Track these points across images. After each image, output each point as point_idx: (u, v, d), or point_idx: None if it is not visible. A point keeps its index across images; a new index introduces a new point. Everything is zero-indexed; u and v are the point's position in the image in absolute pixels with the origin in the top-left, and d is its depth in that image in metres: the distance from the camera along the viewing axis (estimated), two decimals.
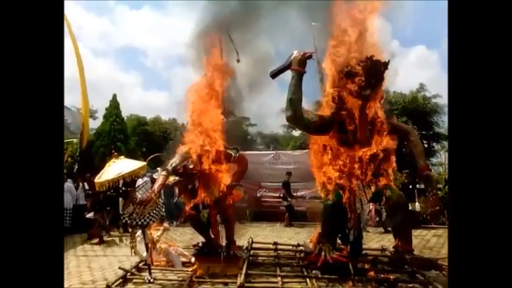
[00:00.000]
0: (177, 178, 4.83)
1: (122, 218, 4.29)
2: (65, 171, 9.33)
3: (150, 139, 23.95)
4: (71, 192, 8.22)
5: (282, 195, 10.40)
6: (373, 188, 4.74)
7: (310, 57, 4.63)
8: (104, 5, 55.95)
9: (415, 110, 17.77)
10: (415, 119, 17.11)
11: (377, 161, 4.68)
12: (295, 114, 4.46)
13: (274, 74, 4.73)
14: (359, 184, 4.72)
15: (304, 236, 7.44)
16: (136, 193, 4.29)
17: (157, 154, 16.51)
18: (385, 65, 4.33)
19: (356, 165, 4.65)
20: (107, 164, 4.38)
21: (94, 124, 17.47)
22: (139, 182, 7.51)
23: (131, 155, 9.95)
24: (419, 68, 42.50)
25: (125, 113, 12.78)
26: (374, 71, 4.31)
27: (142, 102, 45.85)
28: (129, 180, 4.22)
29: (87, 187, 8.75)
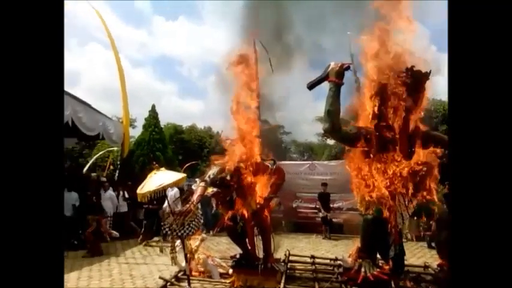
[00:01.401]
0: (215, 189, 4.88)
1: (162, 228, 4.40)
2: (105, 179, 9.69)
3: (186, 147, 24.55)
4: (112, 200, 8.52)
5: (317, 207, 10.27)
6: (415, 203, 4.58)
7: (347, 68, 4.56)
8: (142, 16, 58.25)
9: None
10: None
11: (419, 174, 4.52)
12: (333, 127, 4.39)
13: (312, 86, 4.69)
14: (400, 198, 4.57)
15: (341, 249, 7.29)
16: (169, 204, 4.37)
17: (194, 162, 16.88)
18: (426, 75, 4.19)
19: (397, 179, 4.51)
20: (148, 176, 4.52)
21: (133, 132, 18.19)
22: (170, 192, 7.72)
23: (169, 163, 10.22)
24: None
25: (162, 121, 13.26)
26: (415, 82, 4.19)
27: (179, 110, 47.30)
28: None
29: (127, 195, 9.04)
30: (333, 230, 9.97)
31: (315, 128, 26.07)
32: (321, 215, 10.05)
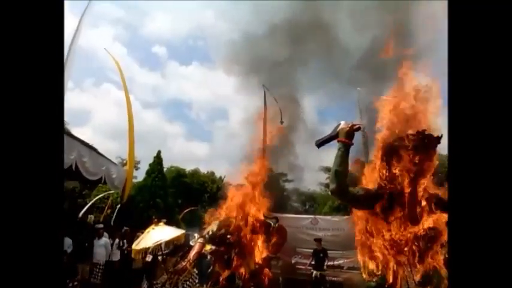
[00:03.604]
0: (213, 247, 4.71)
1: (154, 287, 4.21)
2: (102, 225, 9.45)
3: (187, 191, 24.35)
4: (106, 248, 8.24)
5: (312, 263, 9.72)
6: (421, 270, 4.38)
7: (358, 129, 4.55)
8: (156, 60, 60.47)
9: None
10: None
11: (426, 240, 4.37)
12: (340, 188, 4.31)
13: (320, 144, 4.65)
14: (406, 265, 4.39)
15: None
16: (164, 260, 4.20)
17: (193, 208, 16.69)
18: (438, 139, 4.16)
19: (403, 244, 4.36)
20: (146, 231, 4.40)
21: (135, 173, 18.12)
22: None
23: (169, 210, 10.05)
24: None
25: (166, 162, 13.17)
26: (425, 145, 4.16)
27: (184, 152, 47.78)
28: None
29: (121, 244, 8.76)
30: None
31: (319, 177, 25.90)
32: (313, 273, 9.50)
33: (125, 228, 9.17)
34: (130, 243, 7.59)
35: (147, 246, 4.09)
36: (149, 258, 5.02)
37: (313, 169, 25.21)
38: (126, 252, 8.05)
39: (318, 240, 9.70)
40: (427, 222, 4.49)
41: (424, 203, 4.46)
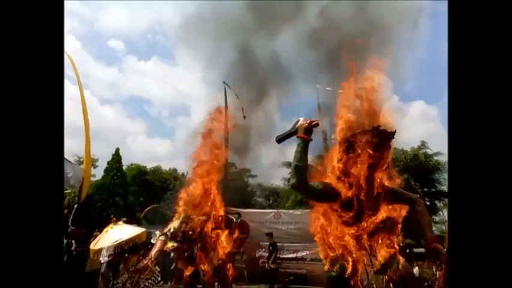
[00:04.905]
0: (175, 244, 4.65)
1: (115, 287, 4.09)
2: None
3: (149, 188, 23.82)
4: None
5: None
6: (379, 258, 4.57)
7: (316, 125, 4.65)
8: (113, 55, 58.00)
9: (417, 167, 17.79)
10: (417, 176, 17.12)
11: (383, 231, 4.55)
12: (300, 182, 4.38)
13: (280, 139, 4.71)
14: (365, 254, 4.56)
15: None
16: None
17: (155, 206, 16.35)
18: (392, 134, 4.33)
19: (361, 235, 4.52)
20: (105, 230, 4.26)
21: (93, 171, 17.46)
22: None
23: (129, 209, 9.77)
24: (419, 123, 42.92)
25: (127, 160, 12.79)
26: (380, 141, 4.31)
27: (145, 150, 46.50)
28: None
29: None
30: (297, 281, 9.74)
31: (282, 172, 26.19)
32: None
33: (71, 227, 8.76)
34: (79, 243, 7.35)
35: (106, 246, 3.97)
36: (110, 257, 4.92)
37: (277, 164, 25.46)
38: (74, 253, 7.72)
39: (269, 234, 9.89)
40: (384, 213, 4.68)
41: (380, 195, 4.64)
